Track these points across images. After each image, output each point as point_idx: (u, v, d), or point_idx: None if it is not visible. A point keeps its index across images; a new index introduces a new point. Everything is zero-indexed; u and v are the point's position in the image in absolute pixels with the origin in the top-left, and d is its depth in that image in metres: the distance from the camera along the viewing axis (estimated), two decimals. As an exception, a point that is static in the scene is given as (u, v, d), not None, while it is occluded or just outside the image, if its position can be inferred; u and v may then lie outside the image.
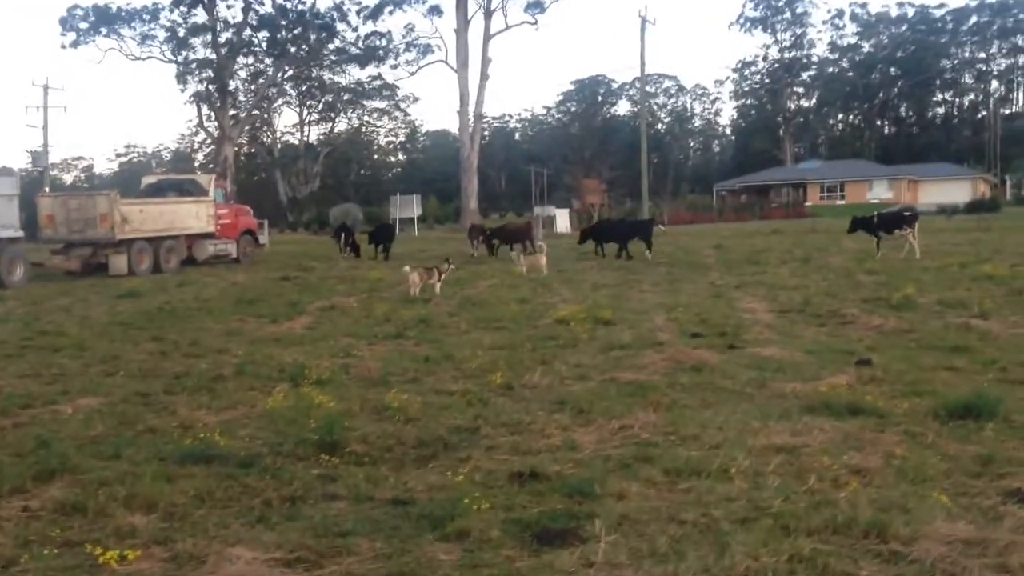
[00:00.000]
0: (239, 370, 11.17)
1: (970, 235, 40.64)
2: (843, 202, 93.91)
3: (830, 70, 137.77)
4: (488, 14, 68.16)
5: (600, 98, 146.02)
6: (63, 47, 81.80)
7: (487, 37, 68.66)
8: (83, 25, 75.09)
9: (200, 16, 75.62)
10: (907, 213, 32.00)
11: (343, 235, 37.30)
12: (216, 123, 78.51)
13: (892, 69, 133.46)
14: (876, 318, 14.63)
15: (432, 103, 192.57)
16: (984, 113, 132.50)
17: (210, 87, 78.62)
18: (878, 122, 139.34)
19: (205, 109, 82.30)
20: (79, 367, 12.06)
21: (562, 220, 59.14)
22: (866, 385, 9.61)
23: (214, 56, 76.41)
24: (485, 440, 7.86)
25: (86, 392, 10.24)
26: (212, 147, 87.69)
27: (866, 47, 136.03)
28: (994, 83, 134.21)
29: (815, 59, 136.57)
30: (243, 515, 6.06)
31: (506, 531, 5.65)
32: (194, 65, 79.84)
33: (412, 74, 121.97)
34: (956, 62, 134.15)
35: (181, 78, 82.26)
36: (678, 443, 7.55)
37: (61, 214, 30.19)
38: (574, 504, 6.08)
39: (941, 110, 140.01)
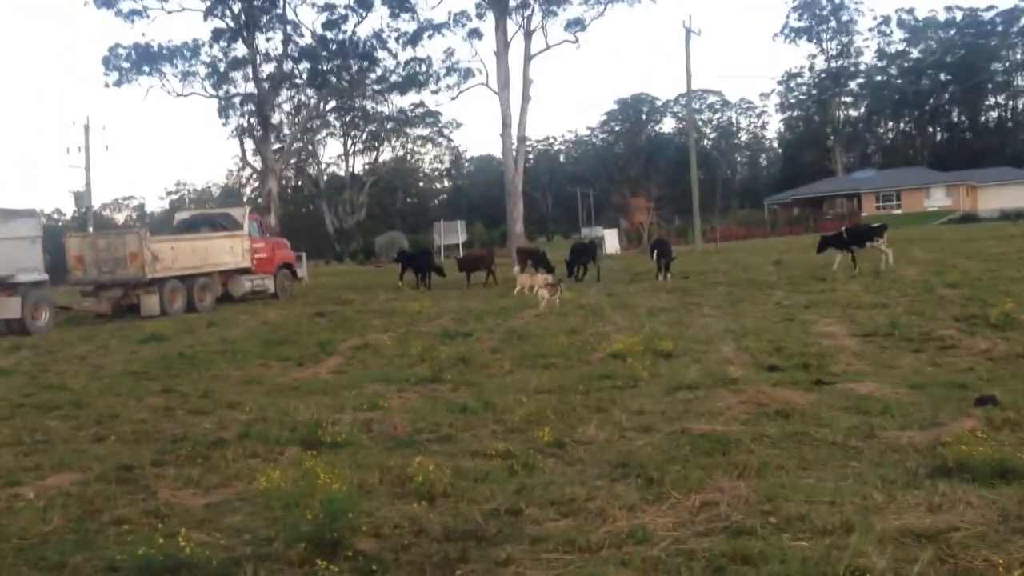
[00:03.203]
0: (244, 431, 9.55)
1: (1046, 240, 38.24)
2: (900, 211, 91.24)
3: (878, 78, 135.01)
4: (528, 34, 66.75)
5: (644, 116, 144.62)
6: (106, 86, 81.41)
7: (527, 58, 67.24)
8: (125, 65, 74.62)
9: (240, 50, 75.05)
10: (875, 225, 31.59)
11: (404, 263, 35.95)
12: (260, 157, 77.82)
13: (942, 74, 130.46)
14: (980, 340, 12.72)
15: (475, 128, 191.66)
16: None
17: (252, 120, 78.06)
18: (930, 129, 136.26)
19: (249, 143, 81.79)
20: (68, 431, 10.53)
21: (611, 240, 57.32)
22: (1000, 432, 7.77)
23: (255, 90, 75.76)
24: (530, 527, 6.16)
25: (63, 466, 8.68)
26: (259, 181, 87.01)
27: (914, 53, 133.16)
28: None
29: (863, 67, 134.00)
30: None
31: None
32: (236, 100, 79.41)
33: (453, 99, 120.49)
34: (1008, 64, 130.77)
35: (223, 112, 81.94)
36: (782, 528, 5.80)
37: (90, 254, 28.94)
38: (654, 641, 4.38)
39: (994, 114, 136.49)
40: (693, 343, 14.55)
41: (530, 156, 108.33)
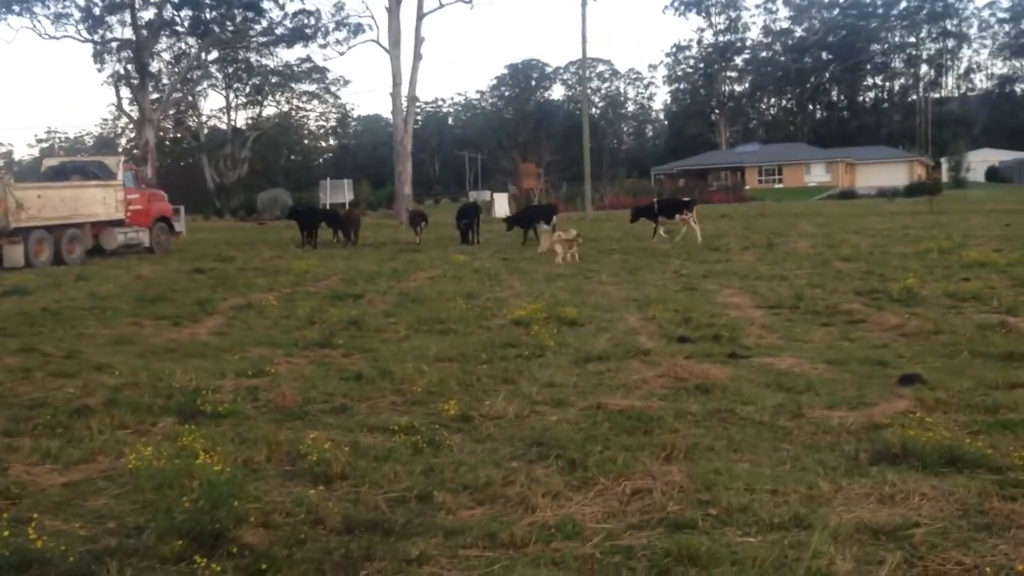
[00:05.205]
0: (112, 398, 8.53)
1: (925, 218, 39.10)
2: (781, 185, 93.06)
3: (763, 54, 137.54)
4: (421, -9, 65.22)
5: (534, 82, 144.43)
6: (-29, 25, 76.83)
7: (420, 16, 65.62)
8: (-6, 2, 70.31)
9: (118, -8, 71.36)
10: (685, 199, 33.69)
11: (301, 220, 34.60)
12: (137, 106, 74.44)
13: (824, 53, 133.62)
14: (889, 316, 12.47)
15: (364, 86, 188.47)
16: (914, 97, 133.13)
17: (129, 68, 74.56)
18: (810, 106, 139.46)
19: (125, 91, 78.15)
20: (-91, 393, 9.36)
21: (501, 205, 56.72)
22: (933, 413, 7.36)
23: (133, 36, 72.24)
24: (443, 516, 5.43)
25: (-103, 435, 7.59)
26: (136, 131, 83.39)
27: (798, 31, 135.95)
28: (924, 67, 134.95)
29: (749, 43, 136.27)
30: None
31: None
32: (113, 45, 75.74)
33: (342, 54, 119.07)
34: (886, 46, 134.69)
35: (98, 58, 78.33)
36: (725, 520, 5.21)
37: (-53, 201, 26.89)
38: (602, 663, 3.72)
39: (872, 94, 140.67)
40: (596, 311, 14.01)
41: (419, 118, 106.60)
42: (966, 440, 6.30)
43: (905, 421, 6.93)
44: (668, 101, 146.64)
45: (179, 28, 79.16)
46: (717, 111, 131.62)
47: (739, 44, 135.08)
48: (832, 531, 4.94)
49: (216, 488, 5.43)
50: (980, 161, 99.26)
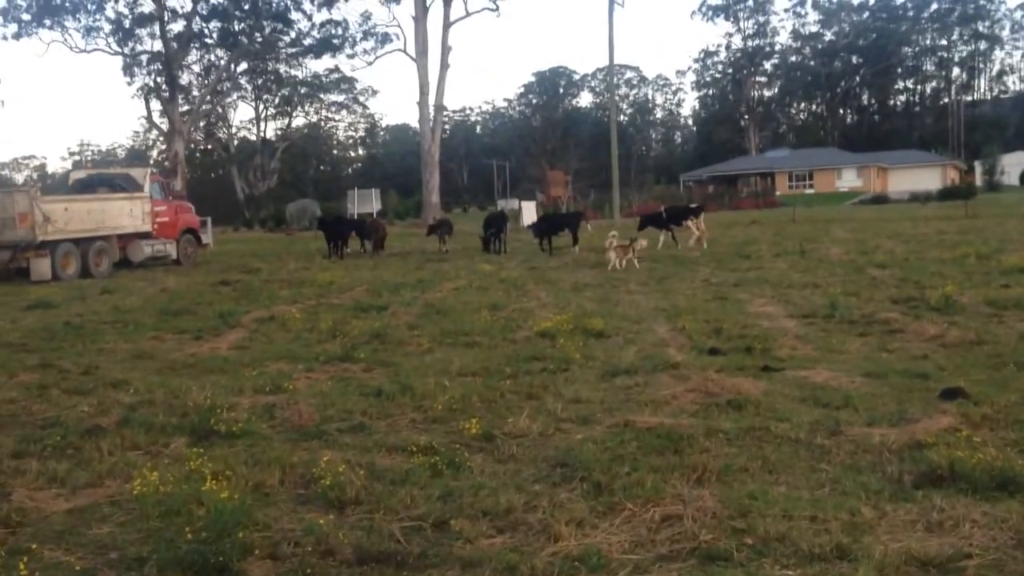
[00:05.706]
0: (126, 417, 8.30)
1: (960, 223, 38.45)
2: (812, 191, 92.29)
3: (792, 59, 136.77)
4: (447, 0, 65.23)
5: (561, 90, 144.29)
6: (4, 39, 77.30)
7: (447, 24, 65.81)
8: (25, 17, 70.85)
9: (147, 6, 71.76)
10: (692, 206, 34.47)
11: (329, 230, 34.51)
12: (167, 118, 74.83)
13: (854, 57, 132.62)
14: (928, 325, 12.03)
15: (392, 96, 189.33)
16: (946, 100, 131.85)
17: (159, 80, 74.98)
18: (840, 111, 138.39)
19: (155, 103, 78.65)
20: (-79, 412, 9.17)
21: (529, 213, 56.39)
22: (980, 430, 6.96)
23: (163, 48, 72.62)
24: (459, 546, 5.13)
25: (-95, 456, 7.38)
26: (166, 143, 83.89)
27: (828, 35, 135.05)
28: (955, 70, 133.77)
29: (778, 48, 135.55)
30: None
31: None
32: (143, 58, 76.16)
33: (370, 64, 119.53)
34: (917, 49, 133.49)
35: (128, 70, 78.77)
36: (761, 551, 4.87)
37: (-25, 215, 26.95)
38: None
39: (903, 98, 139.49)
40: (624, 322, 13.66)
41: (446, 126, 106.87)
42: (1018, 461, 5.92)
43: (950, 439, 6.56)
44: (697, 107, 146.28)
45: (208, 40, 79.54)
46: (746, 116, 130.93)
47: (768, 49, 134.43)
48: (878, 563, 4.60)
49: (223, 516, 5.18)
50: (1014, 164, 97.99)
